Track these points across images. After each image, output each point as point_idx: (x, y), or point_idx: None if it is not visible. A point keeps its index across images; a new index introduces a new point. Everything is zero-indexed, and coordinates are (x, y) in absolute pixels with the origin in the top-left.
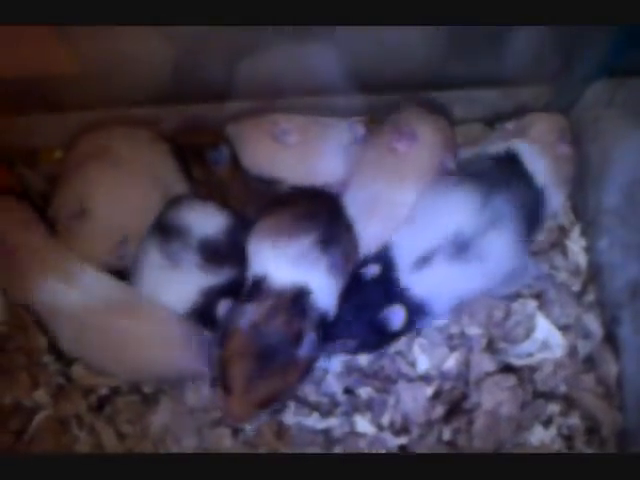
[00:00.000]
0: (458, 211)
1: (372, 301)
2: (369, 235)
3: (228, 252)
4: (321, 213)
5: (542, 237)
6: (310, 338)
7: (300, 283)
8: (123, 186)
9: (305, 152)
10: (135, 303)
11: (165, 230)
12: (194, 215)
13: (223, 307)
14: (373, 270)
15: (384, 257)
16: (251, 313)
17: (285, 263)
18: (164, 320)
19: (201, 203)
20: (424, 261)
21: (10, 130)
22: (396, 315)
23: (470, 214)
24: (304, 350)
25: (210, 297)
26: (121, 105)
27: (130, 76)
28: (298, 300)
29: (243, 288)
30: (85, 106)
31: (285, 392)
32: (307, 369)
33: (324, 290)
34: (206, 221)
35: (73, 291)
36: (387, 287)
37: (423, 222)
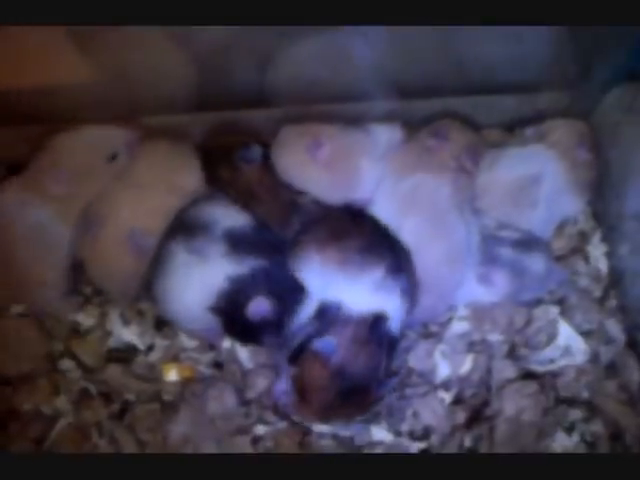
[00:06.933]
0: None
1: None
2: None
3: (253, 243)
4: (383, 243)
5: (563, 243)
6: (392, 381)
7: (378, 310)
8: (134, 192)
9: (332, 169)
10: None
11: (189, 228)
12: (219, 209)
13: (257, 305)
14: None
15: None
16: (334, 344)
17: (362, 292)
18: None
19: (225, 199)
20: None
21: (24, 140)
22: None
23: None
24: (382, 390)
25: (236, 286)
26: (141, 114)
27: (148, 85)
28: (377, 327)
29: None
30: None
31: (354, 416)
32: (378, 401)
33: (398, 315)
34: (231, 214)
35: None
36: None
37: None
